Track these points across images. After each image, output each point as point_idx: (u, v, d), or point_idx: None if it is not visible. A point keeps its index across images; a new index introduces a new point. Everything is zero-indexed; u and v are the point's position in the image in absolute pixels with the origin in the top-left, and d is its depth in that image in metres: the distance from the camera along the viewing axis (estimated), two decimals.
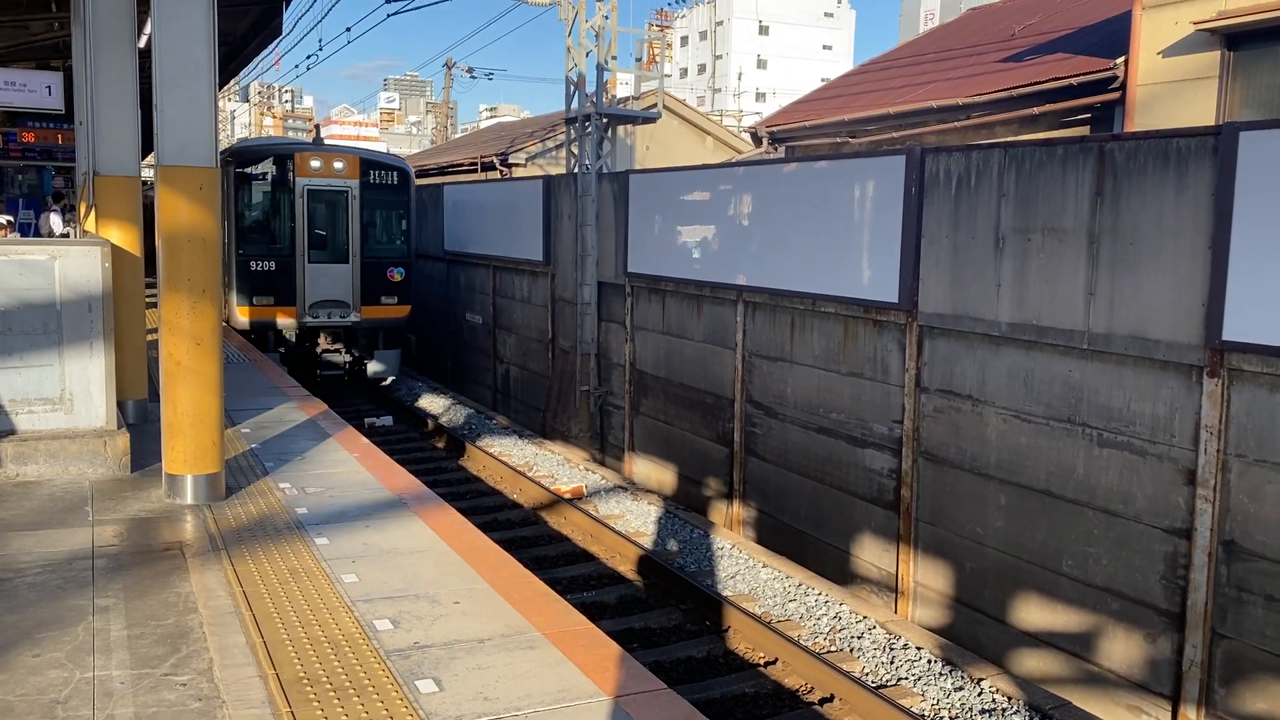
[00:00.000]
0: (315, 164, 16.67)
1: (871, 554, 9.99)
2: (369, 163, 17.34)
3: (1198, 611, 7.13)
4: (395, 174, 17.44)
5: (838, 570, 10.31)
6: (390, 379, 18.53)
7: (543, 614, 4.90)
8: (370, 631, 4.64)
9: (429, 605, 4.97)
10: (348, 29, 26.47)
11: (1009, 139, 13.56)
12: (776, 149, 20.09)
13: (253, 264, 16.38)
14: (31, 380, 7.03)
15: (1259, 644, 6.81)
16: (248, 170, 16.52)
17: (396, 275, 17.42)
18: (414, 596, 5.08)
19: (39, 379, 7.05)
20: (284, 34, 16.09)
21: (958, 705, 7.51)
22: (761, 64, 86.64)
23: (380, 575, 5.36)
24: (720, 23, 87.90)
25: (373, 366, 17.89)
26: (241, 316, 16.47)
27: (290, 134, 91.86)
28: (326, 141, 18.97)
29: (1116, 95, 13.22)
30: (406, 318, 17.89)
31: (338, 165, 16.79)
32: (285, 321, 16.67)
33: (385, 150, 31.74)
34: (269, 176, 16.61)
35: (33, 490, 6.71)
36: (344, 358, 17.56)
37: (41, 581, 5.15)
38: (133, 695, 4.00)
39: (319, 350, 17.45)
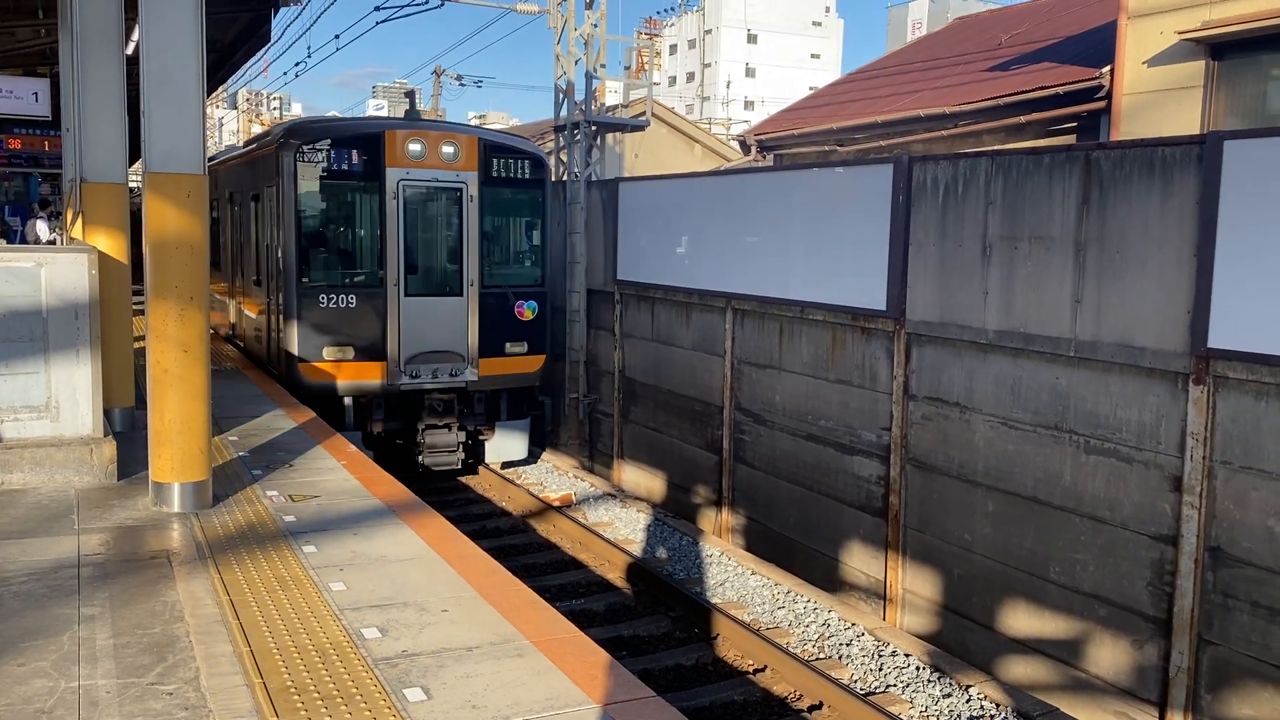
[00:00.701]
0: (415, 147, 11.80)
1: (860, 561, 10.00)
2: (492, 147, 12.52)
3: (1184, 618, 7.15)
4: (526, 163, 12.65)
5: (826, 577, 10.31)
6: (518, 461, 13.70)
7: (531, 622, 4.90)
8: (358, 640, 4.62)
9: (417, 613, 4.95)
10: (336, 36, 26.47)
11: (996, 147, 13.64)
12: (765, 157, 20.15)
13: (322, 298, 11.50)
14: (17, 388, 7.00)
15: (1245, 650, 6.83)
16: (314, 159, 11.61)
17: (527, 311, 12.62)
18: (402, 605, 5.06)
19: (25, 386, 7.02)
20: (272, 41, 16.01)
21: (946, 712, 7.52)
22: (750, 72, 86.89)
23: (368, 583, 5.34)
24: (709, 31, 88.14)
25: (495, 445, 13.05)
26: (305, 376, 11.52)
27: None
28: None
29: (1102, 104, 13.31)
30: (540, 373, 13.04)
31: (446, 150, 11.98)
32: (371, 383, 11.75)
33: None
34: (346, 167, 11.68)
35: (18, 499, 6.68)
36: (455, 436, 12.41)
37: (27, 590, 5.11)
38: (119, 704, 3.98)
39: (420, 426, 12.25)
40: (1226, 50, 11.94)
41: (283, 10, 14.17)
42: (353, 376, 11.64)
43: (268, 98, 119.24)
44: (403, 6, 18.74)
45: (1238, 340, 6.76)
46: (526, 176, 12.67)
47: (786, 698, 7.73)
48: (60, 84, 10.99)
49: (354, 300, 11.67)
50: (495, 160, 12.41)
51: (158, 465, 6.50)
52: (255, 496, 6.91)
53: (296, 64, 67.58)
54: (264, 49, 16.55)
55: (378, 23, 20.61)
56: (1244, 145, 6.79)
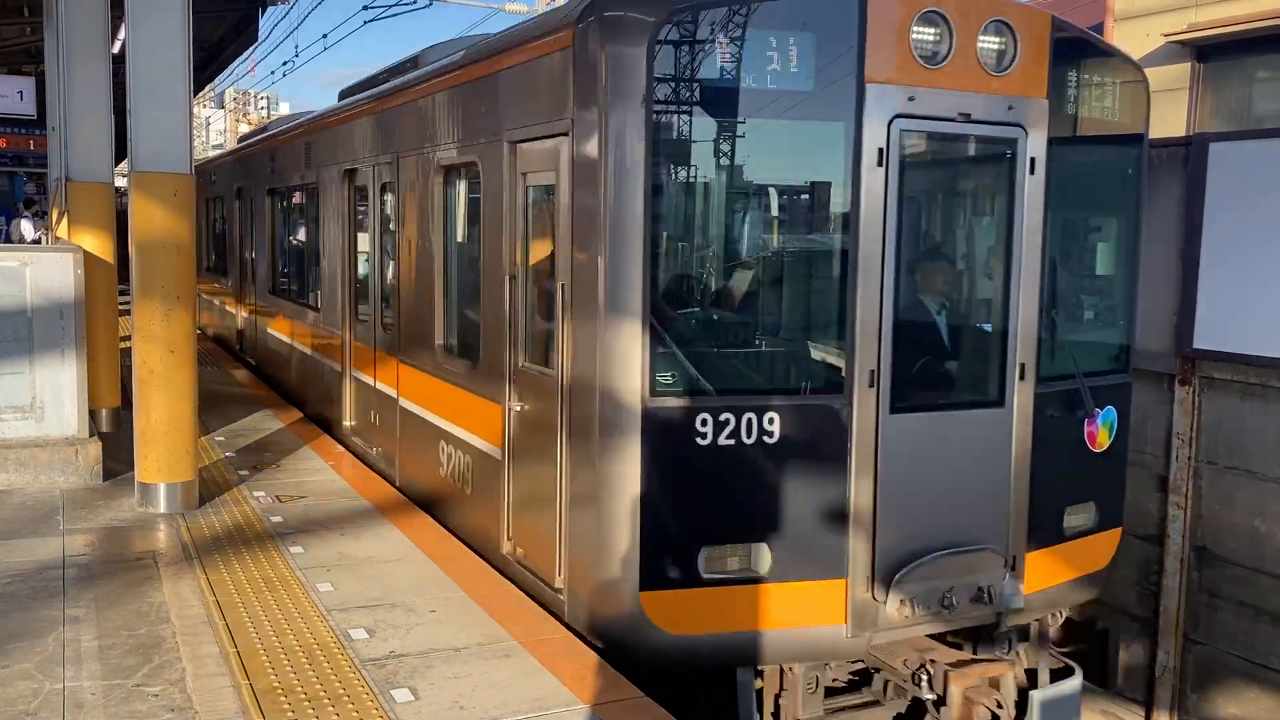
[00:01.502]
0: (926, 36, 4.79)
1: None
2: (1074, 47, 5.41)
3: (1170, 617, 7.18)
4: (1120, 88, 5.80)
5: None
6: None
7: (520, 622, 4.89)
8: (345, 641, 4.61)
9: (405, 614, 4.94)
10: (324, 35, 26.37)
11: None
12: None
13: (700, 425, 4.59)
14: (1, 388, 6.96)
15: (1230, 649, 6.87)
16: (686, 61, 4.55)
17: (1102, 433, 5.58)
18: (390, 605, 5.05)
19: (9, 387, 6.98)
20: (260, 40, 15.93)
21: None
22: None
23: (356, 584, 5.33)
24: None
25: None
26: (655, 620, 4.72)
27: None
28: None
29: None
30: (1108, 570, 5.86)
31: (988, 46, 4.96)
32: (818, 634, 4.90)
33: None
34: (769, 82, 4.59)
35: (2, 499, 6.64)
36: None
37: (11, 592, 5.08)
38: (104, 706, 3.96)
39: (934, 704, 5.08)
40: (1212, 53, 12.00)
41: (270, 9, 14.15)
42: (772, 619, 4.93)
43: (255, 96, 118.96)
44: (391, 6, 18.69)
45: (1223, 341, 6.79)
46: (1115, 117, 5.86)
47: None
48: (46, 82, 10.95)
49: (774, 428, 4.77)
50: (1077, 77, 5.47)
51: (144, 466, 6.47)
52: (242, 497, 6.88)
53: (284, 63, 67.41)
54: (251, 48, 16.50)
55: (366, 22, 20.51)
56: (1229, 148, 6.82)
